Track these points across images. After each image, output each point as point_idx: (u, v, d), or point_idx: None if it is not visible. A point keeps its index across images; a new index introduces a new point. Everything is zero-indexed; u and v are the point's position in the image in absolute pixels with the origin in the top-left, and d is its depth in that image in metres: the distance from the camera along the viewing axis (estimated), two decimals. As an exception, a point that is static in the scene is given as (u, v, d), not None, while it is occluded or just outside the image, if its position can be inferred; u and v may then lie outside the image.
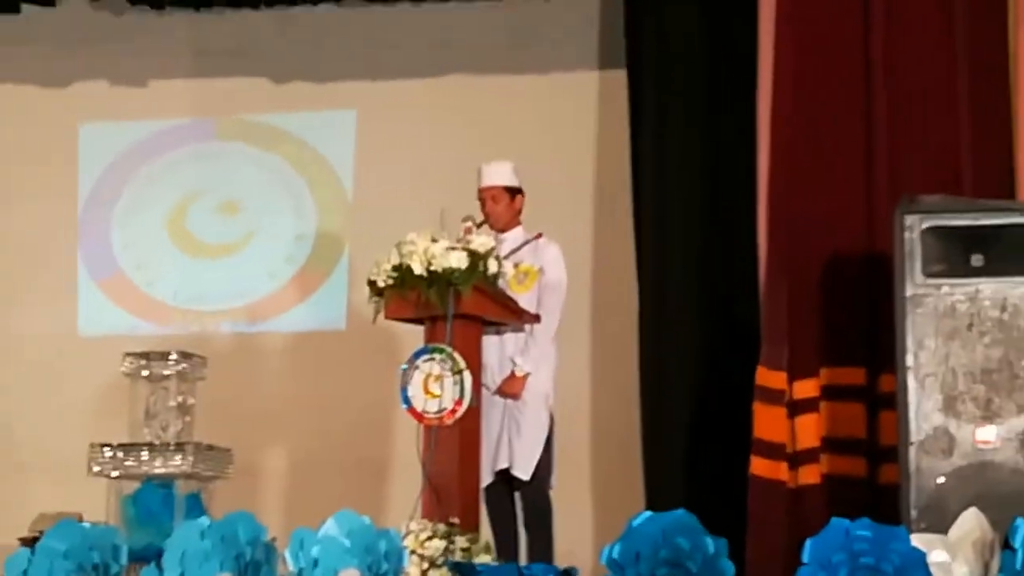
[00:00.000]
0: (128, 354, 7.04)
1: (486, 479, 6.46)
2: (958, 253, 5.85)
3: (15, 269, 9.34)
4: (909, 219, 5.87)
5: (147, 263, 9.40)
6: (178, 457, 6.77)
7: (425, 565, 5.75)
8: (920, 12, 6.99)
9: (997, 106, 6.87)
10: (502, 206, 6.73)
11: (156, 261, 9.38)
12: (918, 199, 5.96)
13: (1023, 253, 5.80)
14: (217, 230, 9.38)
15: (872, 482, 6.69)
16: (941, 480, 5.69)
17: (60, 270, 9.33)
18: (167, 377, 6.93)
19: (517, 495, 6.58)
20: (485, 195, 6.73)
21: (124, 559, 5.20)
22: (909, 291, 5.84)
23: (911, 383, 5.78)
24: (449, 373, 6.15)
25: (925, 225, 5.85)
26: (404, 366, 6.25)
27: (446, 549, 5.80)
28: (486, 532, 6.34)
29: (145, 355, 7.01)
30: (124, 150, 9.54)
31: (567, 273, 6.74)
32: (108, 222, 9.48)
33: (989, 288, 5.80)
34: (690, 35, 7.92)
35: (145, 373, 6.96)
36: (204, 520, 5.23)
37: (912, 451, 5.74)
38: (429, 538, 5.81)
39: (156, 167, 9.51)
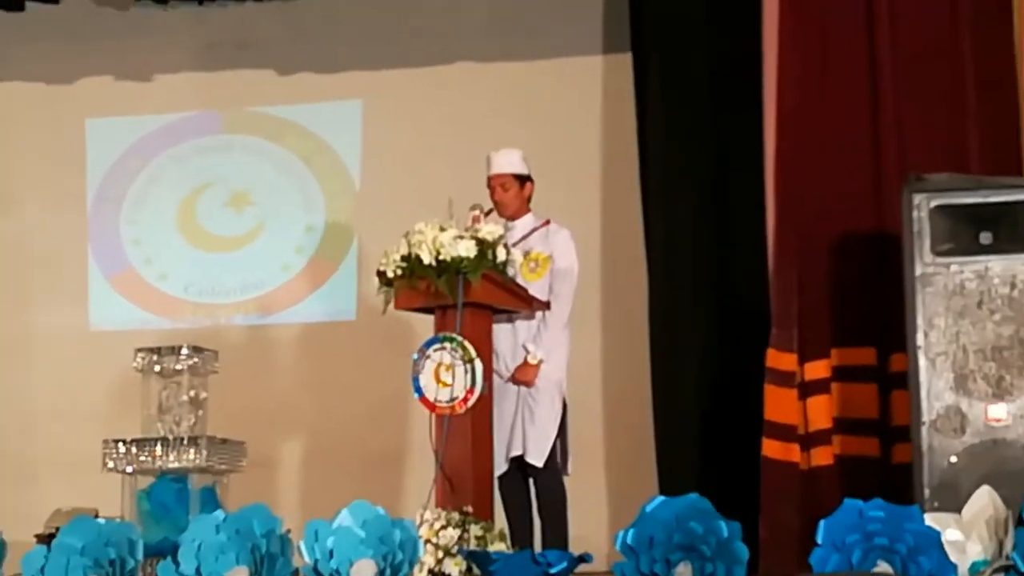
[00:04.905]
0: (140, 349, 7.05)
1: (500, 467, 6.46)
2: (967, 231, 5.83)
3: (26, 266, 9.37)
4: (917, 198, 5.85)
5: (157, 257, 9.42)
6: (192, 451, 6.77)
7: (440, 554, 5.75)
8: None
9: (1003, 82, 6.84)
10: (511, 194, 6.72)
11: (166, 255, 9.40)
12: (925, 178, 5.94)
13: (1032, 230, 5.79)
14: (227, 223, 9.40)
15: (885, 462, 6.68)
16: (954, 459, 5.68)
17: (71, 266, 9.36)
18: (179, 372, 6.93)
19: (531, 482, 6.58)
20: (494, 183, 6.72)
21: (140, 554, 5.22)
22: (918, 270, 5.82)
23: (922, 362, 5.77)
24: (460, 362, 6.15)
25: (933, 204, 5.84)
26: (415, 355, 6.25)
27: (460, 538, 5.80)
28: (500, 520, 6.35)
29: (157, 350, 7.02)
30: (131, 145, 9.57)
31: (577, 258, 6.73)
32: (117, 217, 9.50)
33: (998, 265, 5.79)
34: (695, 16, 7.90)
35: (157, 368, 6.97)
36: (219, 513, 5.24)
37: (924, 430, 5.73)
38: (443, 527, 5.81)
39: (163, 161, 9.52)
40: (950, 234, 5.83)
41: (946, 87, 6.90)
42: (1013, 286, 5.77)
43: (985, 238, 5.83)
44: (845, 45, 7.04)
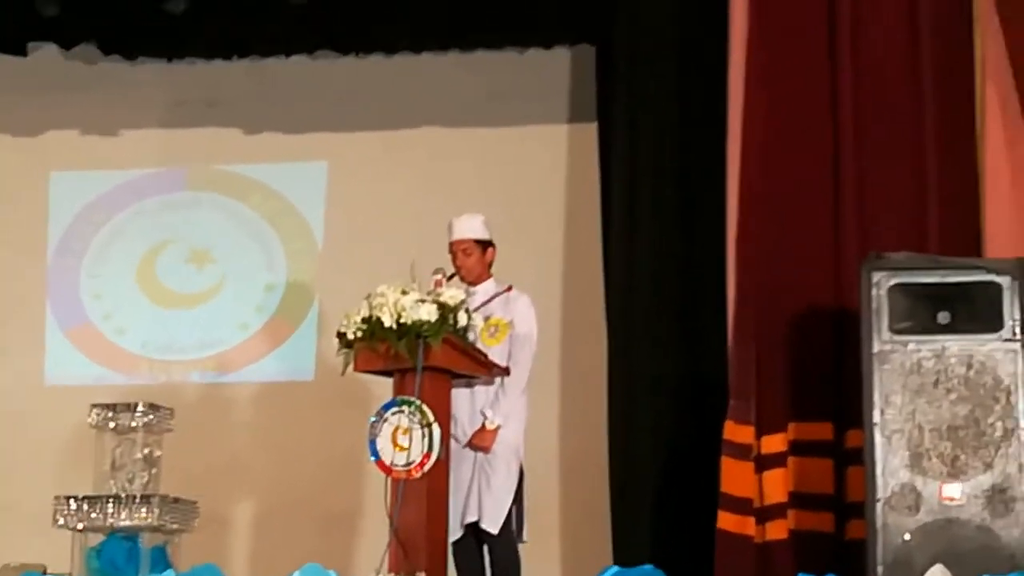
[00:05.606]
0: (95, 405, 7.01)
1: (455, 533, 6.43)
2: (925, 310, 5.88)
3: (-17, 317, 9.31)
4: (876, 276, 5.90)
5: (116, 312, 9.38)
6: (143, 510, 6.72)
7: (391, 619, 5.73)
8: (888, 71, 7.05)
9: (964, 164, 6.92)
10: (473, 259, 6.73)
11: (125, 310, 9.36)
12: (885, 256, 5.99)
13: (989, 310, 5.83)
14: (187, 280, 9.38)
15: (839, 538, 6.69)
16: (907, 536, 5.70)
17: (28, 319, 9.30)
18: (134, 429, 6.89)
19: (486, 549, 6.55)
20: (456, 248, 6.74)
21: (88, 613, 5.17)
22: (876, 347, 5.86)
23: (878, 439, 5.80)
24: (418, 426, 6.14)
25: (892, 282, 5.89)
26: (373, 418, 6.24)
27: (412, 604, 5.78)
28: (454, 586, 6.32)
29: (112, 407, 6.98)
30: (95, 199, 9.55)
31: (537, 325, 6.75)
32: (77, 271, 9.46)
33: (955, 345, 5.83)
34: (661, 91, 7.95)
35: (112, 425, 6.92)
36: (169, 573, 5.21)
37: (879, 507, 5.75)
38: (396, 592, 5.79)
39: (127, 216, 9.51)
40: (908, 312, 5.88)
41: (908, 167, 6.96)
42: (969, 366, 5.81)
43: (943, 317, 5.88)
44: (810, 122, 7.10)
